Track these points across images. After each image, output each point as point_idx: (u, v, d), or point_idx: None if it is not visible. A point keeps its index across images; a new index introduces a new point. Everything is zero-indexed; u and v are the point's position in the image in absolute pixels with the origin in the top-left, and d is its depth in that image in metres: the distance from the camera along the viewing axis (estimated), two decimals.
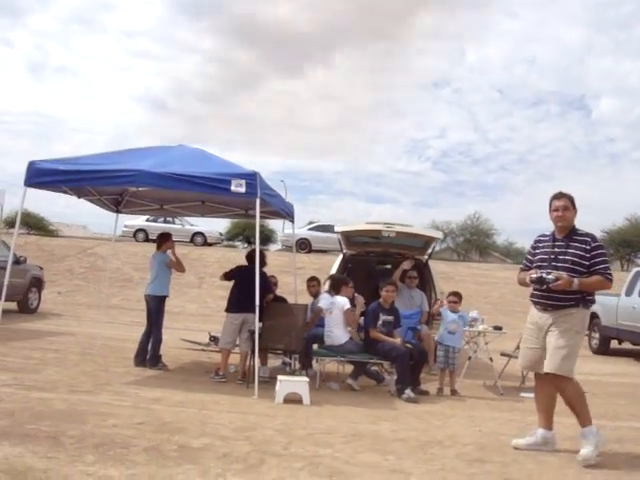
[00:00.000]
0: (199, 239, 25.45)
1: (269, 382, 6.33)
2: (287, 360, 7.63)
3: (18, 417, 4.45)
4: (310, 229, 25.61)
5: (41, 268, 13.89)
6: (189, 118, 67.18)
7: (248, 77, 65.62)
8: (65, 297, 16.25)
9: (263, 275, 6.60)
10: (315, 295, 7.69)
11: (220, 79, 67.30)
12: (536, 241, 4.61)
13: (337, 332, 6.60)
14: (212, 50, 64.01)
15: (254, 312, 6.16)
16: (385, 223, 8.29)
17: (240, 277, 6.90)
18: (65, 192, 7.23)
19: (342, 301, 6.73)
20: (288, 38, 61.61)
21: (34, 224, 27.32)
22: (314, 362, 7.10)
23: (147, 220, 25.85)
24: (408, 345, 6.62)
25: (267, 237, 31.11)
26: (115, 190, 7.86)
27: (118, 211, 8.44)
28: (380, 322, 6.63)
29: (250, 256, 6.99)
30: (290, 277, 9.79)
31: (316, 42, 63.65)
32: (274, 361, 7.71)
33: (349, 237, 9.08)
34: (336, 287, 6.99)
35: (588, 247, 4.28)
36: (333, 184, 64.32)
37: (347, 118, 67.74)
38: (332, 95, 67.63)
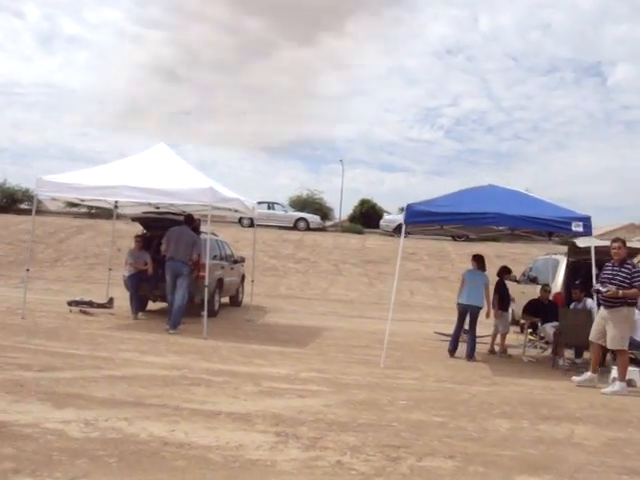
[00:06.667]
0: (302, 224, 27.33)
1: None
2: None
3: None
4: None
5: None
6: (200, 87, 67.65)
7: (259, 45, 65.96)
8: None
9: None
10: (579, 300, 9.61)
11: (230, 48, 67.55)
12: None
13: None
14: (222, 18, 64.18)
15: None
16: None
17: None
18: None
19: None
20: (299, 5, 62.19)
21: None
22: None
23: None
24: None
25: (325, 215, 33.19)
26: None
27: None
28: None
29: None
30: None
31: (328, 9, 64.16)
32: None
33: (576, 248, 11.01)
34: None
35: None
36: (346, 153, 65.25)
37: (359, 86, 68.44)
38: (344, 63, 68.33)
